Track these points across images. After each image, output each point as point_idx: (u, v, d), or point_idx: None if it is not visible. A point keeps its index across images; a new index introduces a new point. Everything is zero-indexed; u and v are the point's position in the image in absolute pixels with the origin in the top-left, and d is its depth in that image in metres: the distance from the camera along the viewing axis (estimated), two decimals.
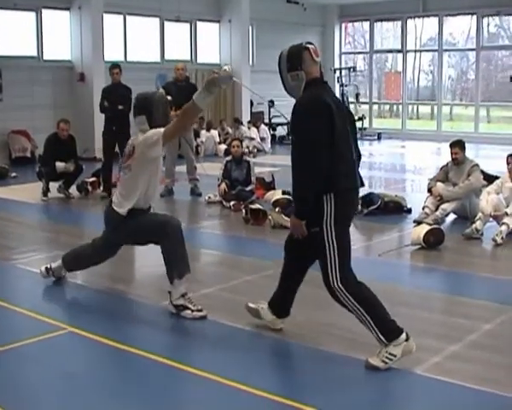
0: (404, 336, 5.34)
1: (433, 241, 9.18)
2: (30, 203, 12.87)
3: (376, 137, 26.64)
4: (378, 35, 30.24)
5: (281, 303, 6.15)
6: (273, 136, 24.50)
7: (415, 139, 26.34)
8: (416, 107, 33.23)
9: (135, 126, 7.02)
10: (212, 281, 8.03)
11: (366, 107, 28.89)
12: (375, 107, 31.57)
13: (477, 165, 10.99)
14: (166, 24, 23.02)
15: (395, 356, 5.31)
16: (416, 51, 29.80)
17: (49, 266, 7.71)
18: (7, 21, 19.27)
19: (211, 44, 24.53)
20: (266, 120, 25.15)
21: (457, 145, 11.00)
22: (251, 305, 6.36)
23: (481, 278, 8.18)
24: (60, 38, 20.29)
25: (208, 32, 24.44)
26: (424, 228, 9.29)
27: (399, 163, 20.56)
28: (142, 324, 6.67)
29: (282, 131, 25.59)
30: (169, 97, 12.63)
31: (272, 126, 24.96)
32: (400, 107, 28.82)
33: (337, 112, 5.38)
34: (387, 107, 31.71)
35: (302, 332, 6.21)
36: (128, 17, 21.86)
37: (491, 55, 29.82)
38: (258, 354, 5.85)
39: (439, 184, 10.93)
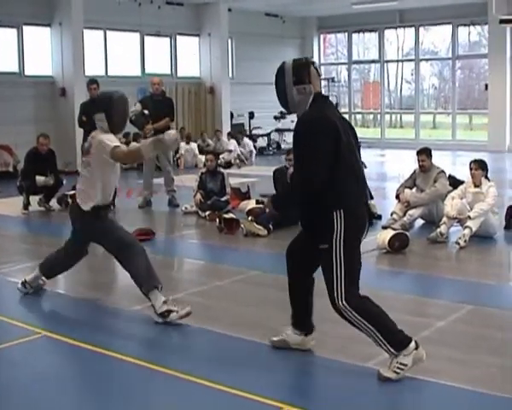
0: (413, 344, 5.31)
1: (397, 245, 9.51)
2: (11, 216, 13.15)
3: None
4: (361, 45, 30.67)
5: (302, 319, 5.91)
6: (254, 147, 24.81)
7: (394, 148, 26.73)
8: (399, 116, 33.61)
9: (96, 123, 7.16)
10: (182, 286, 8.37)
11: (346, 117, 29.21)
12: (359, 116, 32.05)
13: (443, 172, 11.34)
14: (146, 38, 23.42)
15: (406, 365, 5.27)
16: (393, 61, 30.22)
17: (24, 279, 7.89)
18: None
19: (191, 58, 24.85)
20: (247, 133, 25.45)
21: (424, 153, 11.38)
22: (275, 339, 6.04)
23: (442, 280, 8.54)
24: (41, 53, 20.62)
25: (188, 45, 24.81)
26: (389, 233, 9.62)
27: (375, 171, 20.86)
28: (115, 328, 6.97)
29: (262, 142, 25.90)
30: (146, 111, 13.11)
31: (253, 138, 25.29)
32: (379, 116, 29.20)
33: (341, 127, 5.35)
34: (371, 116, 31.98)
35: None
36: (108, 32, 22.25)
37: (472, 64, 30.22)
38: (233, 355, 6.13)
39: (406, 190, 11.27)
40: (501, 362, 5.73)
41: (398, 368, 5.28)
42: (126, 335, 6.76)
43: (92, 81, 13.98)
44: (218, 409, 5.07)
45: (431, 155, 11.41)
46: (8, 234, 11.69)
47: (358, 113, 31.74)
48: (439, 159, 19.36)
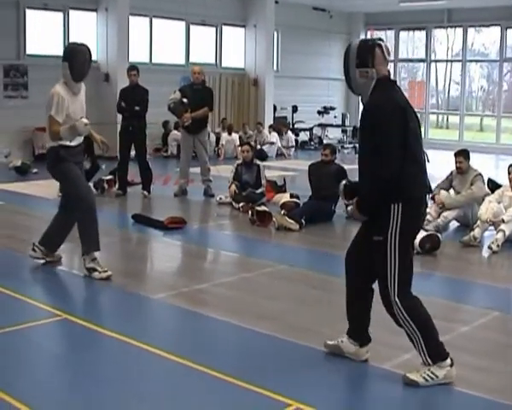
0: (449, 361, 5.21)
1: (428, 247, 9.38)
2: (47, 199, 13.20)
3: None
4: (410, 44, 30.44)
5: (359, 330, 5.68)
6: (296, 141, 24.74)
7: (437, 148, 26.42)
8: (446, 116, 33.33)
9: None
10: (208, 277, 8.39)
11: None
12: None
13: (480, 174, 11.17)
14: (192, 27, 23.39)
15: (437, 377, 5.16)
16: (440, 61, 29.96)
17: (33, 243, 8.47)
18: (35, 21, 19.73)
19: (236, 49, 24.85)
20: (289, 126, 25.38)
21: (461, 154, 11.20)
22: (329, 342, 5.82)
23: (471, 284, 8.43)
24: (86, 38, 20.58)
25: (233, 36, 24.76)
26: (421, 233, 9.46)
27: None
28: (137, 315, 7.00)
29: (304, 136, 25.80)
30: (185, 100, 13.12)
31: (295, 132, 25.20)
32: (424, 116, 28.97)
33: (409, 113, 5.21)
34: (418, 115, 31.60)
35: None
36: (154, 20, 22.26)
37: None
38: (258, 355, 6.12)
39: (442, 191, 11.12)
40: None
41: (429, 376, 5.17)
42: (147, 323, 6.78)
43: (132, 67, 14.02)
44: (232, 403, 5.03)
45: (469, 157, 11.23)
46: (42, 216, 11.68)
47: None
48: (482, 162, 19.23)
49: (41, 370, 5.54)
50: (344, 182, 5.74)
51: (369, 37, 29.85)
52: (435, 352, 5.19)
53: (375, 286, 5.47)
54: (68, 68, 7.80)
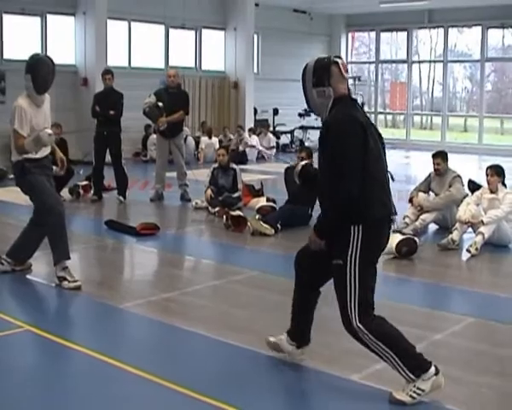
0: (433, 369, 4.99)
1: (405, 251, 9.22)
2: (22, 205, 12.97)
3: None
4: (393, 45, 30.39)
5: (301, 332, 5.66)
6: (277, 144, 24.57)
7: (420, 149, 26.34)
8: (430, 117, 33.27)
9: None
10: (177, 285, 8.17)
11: (371, 117, 29.02)
12: (388, 117, 31.83)
13: (459, 176, 11.01)
14: (171, 31, 23.18)
15: (423, 391, 4.95)
16: (420, 62, 29.90)
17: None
18: (13, 25, 19.51)
19: (216, 52, 24.64)
20: (270, 128, 25.21)
21: (439, 156, 11.05)
22: (271, 339, 5.79)
23: (448, 289, 8.24)
24: (64, 42, 20.50)
25: (213, 39, 24.56)
26: (397, 237, 9.32)
27: (395, 173, 20.47)
28: (100, 326, 6.84)
29: (285, 139, 25.65)
30: (160, 104, 12.96)
31: (276, 135, 25.03)
32: (403, 117, 28.98)
33: (370, 131, 5.02)
34: (401, 117, 31.57)
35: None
36: (133, 23, 22.05)
37: (506, 67, 29.81)
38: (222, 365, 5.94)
39: (420, 194, 10.97)
40: (490, 381, 5.46)
41: (415, 392, 4.95)
42: (110, 334, 6.58)
43: (107, 71, 13.82)
44: None
45: (447, 159, 11.08)
46: (17, 223, 11.48)
47: (382, 113, 31.25)
48: (464, 162, 19.16)
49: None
50: (303, 163, 5.69)
51: (350, 38, 29.83)
52: (415, 365, 4.96)
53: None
54: (31, 81, 7.63)
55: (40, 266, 8.48)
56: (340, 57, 5.22)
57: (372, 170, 4.94)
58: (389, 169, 5.18)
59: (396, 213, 5.15)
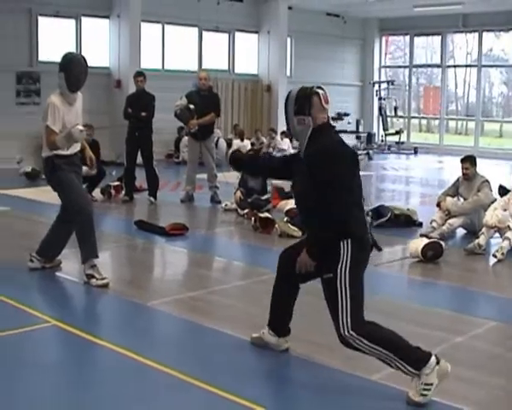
0: (433, 359, 5.04)
1: (431, 255, 9.25)
2: (54, 205, 13.15)
3: (413, 152, 26.61)
4: (429, 49, 30.32)
5: (280, 322, 5.95)
6: None
7: (452, 155, 26.25)
8: (465, 122, 33.12)
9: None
10: (203, 284, 8.29)
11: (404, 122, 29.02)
12: (421, 121, 31.77)
13: (487, 181, 11.00)
14: (205, 33, 23.37)
15: (432, 385, 5.00)
16: (454, 67, 29.85)
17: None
18: (48, 28, 19.81)
19: (249, 55, 24.80)
20: None
21: (468, 161, 11.05)
22: (254, 335, 6.13)
23: (472, 293, 8.27)
24: (98, 45, 20.75)
25: (246, 42, 24.74)
26: (423, 241, 9.37)
27: (428, 177, 20.54)
28: (125, 321, 7.02)
29: None
30: (191, 106, 13.08)
31: None
32: (437, 121, 28.89)
33: (356, 158, 5.35)
34: (435, 122, 31.49)
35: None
36: (166, 26, 22.27)
37: None
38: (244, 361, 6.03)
39: (448, 198, 10.97)
40: (504, 384, 5.52)
41: (425, 389, 5.01)
42: (136, 330, 6.68)
43: (139, 73, 13.99)
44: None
45: (475, 163, 11.07)
46: (46, 221, 11.65)
47: (415, 117, 31.14)
48: (496, 168, 19.08)
49: (23, 378, 5.45)
50: (232, 150, 6.08)
51: (383, 42, 29.78)
52: (414, 360, 5.05)
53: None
54: (64, 79, 7.78)
55: (69, 264, 8.64)
56: (321, 88, 5.43)
57: (356, 195, 5.25)
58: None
59: (371, 233, 5.40)
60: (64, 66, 7.83)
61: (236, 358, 5.97)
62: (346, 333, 5.08)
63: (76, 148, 8.07)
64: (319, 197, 5.13)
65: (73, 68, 7.80)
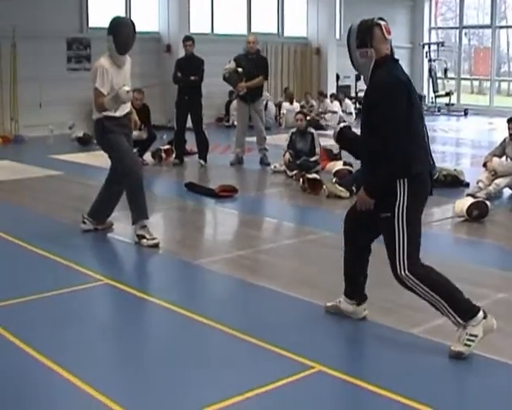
0: (481, 314, 5.14)
1: (476, 214, 9.30)
2: (105, 169, 13.39)
3: (463, 113, 26.42)
4: (481, 10, 29.99)
5: (356, 290, 5.86)
6: (359, 109, 24.57)
7: (503, 116, 25.95)
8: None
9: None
10: (252, 243, 8.49)
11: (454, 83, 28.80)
12: (476, 83, 31.47)
13: None
14: None
15: (476, 336, 5.09)
16: (504, 27, 29.47)
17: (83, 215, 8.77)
18: None
19: (298, 18, 24.76)
20: (353, 94, 25.22)
21: None
22: (328, 304, 6.04)
23: None
24: (148, 10, 20.90)
25: (296, 5, 24.69)
26: (468, 200, 9.43)
27: (478, 139, 20.43)
28: (174, 279, 7.33)
29: None
30: (240, 69, 13.22)
31: (358, 100, 25.03)
32: (489, 83, 28.58)
33: (413, 89, 5.23)
34: (487, 83, 31.21)
35: None
36: None
37: None
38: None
39: (494, 158, 10.97)
40: None
41: (469, 340, 5.10)
42: (185, 288, 6.96)
43: (187, 38, 14.13)
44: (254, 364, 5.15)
45: None
46: (97, 185, 11.94)
47: (466, 79, 30.85)
48: None
49: (81, 336, 5.67)
50: (341, 125, 5.90)
51: (433, 3, 29.46)
52: (463, 310, 5.14)
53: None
54: (113, 41, 7.99)
55: (121, 226, 8.86)
56: (383, 19, 5.38)
57: (414, 127, 5.18)
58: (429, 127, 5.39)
59: (435, 168, 5.33)
60: (112, 29, 8.04)
61: (280, 311, 6.16)
62: (403, 273, 5.17)
63: (125, 110, 8.25)
64: (376, 134, 5.16)
65: (121, 31, 8.02)
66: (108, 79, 7.95)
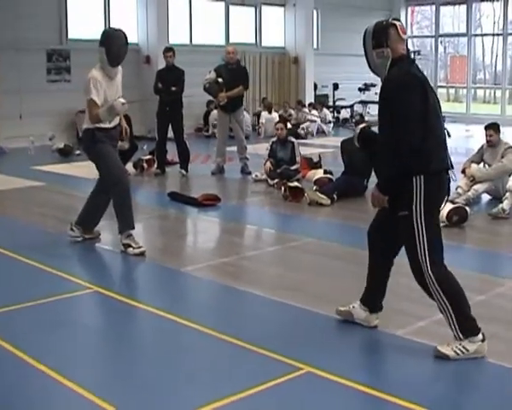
0: (480, 336, 5.24)
1: (456, 219, 9.47)
2: (87, 179, 13.50)
3: None
4: (456, 18, 30.29)
5: (373, 298, 5.88)
6: (337, 118, 24.81)
7: (479, 123, 26.18)
8: (493, 91, 33.05)
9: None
10: (235, 250, 8.61)
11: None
12: (447, 91, 31.68)
13: (511, 147, 11.20)
14: (231, 8, 23.57)
15: (468, 351, 5.20)
16: (480, 36, 29.81)
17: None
18: (76, 5, 20.06)
19: (276, 28, 24.98)
20: (331, 103, 25.43)
21: (492, 127, 11.26)
22: (341, 308, 6.03)
23: (495, 255, 8.53)
24: (127, 21, 20.94)
25: (273, 15, 24.91)
26: (448, 206, 9.57)
27: (455, 146, 20.56)
28: (162, 286, 7.41)
29: (345, 113, 25.84)
30: (220, 80, 13.35)
31: (336, 109, 25.26)
32: (465, 91, 28.86)
33: (429, 87, 5.28)
34: (464, 91, 31.47)
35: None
36: (193, 1, 22.47)
37: None
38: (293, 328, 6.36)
39: (473, 165, 11.17)
40: None
41: (460, 350, 5.21)
42: (172, 294, 7.06)
43: (168, 49, 14.25)
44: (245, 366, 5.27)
45: (499, 130, 11.29)
46: (81, 195, 12.02)
47: (442, 87, 31.09)
48: None
49: (72, 341, 5.80)
50: (362, 126, 5.99)
51: (409, 13, 29.75)
52: (466, 327, 5.23)
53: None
54: (105, 53, 8.06)
55: (107, 235, 8.99)
56: (398, 20, 5.54)
57: (431, 124, 5.21)
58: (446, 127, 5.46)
59: (453, 167, 5.38)
60: (104, 41, 8.13)
61: (266, 316, 6.31)
62: (425, 270, 5.22)
63: (116, 121, 8.36)
64: (390, 129, 5.22)
65: (113, 43, 8.11)
66: (102, 91, 8.04)
